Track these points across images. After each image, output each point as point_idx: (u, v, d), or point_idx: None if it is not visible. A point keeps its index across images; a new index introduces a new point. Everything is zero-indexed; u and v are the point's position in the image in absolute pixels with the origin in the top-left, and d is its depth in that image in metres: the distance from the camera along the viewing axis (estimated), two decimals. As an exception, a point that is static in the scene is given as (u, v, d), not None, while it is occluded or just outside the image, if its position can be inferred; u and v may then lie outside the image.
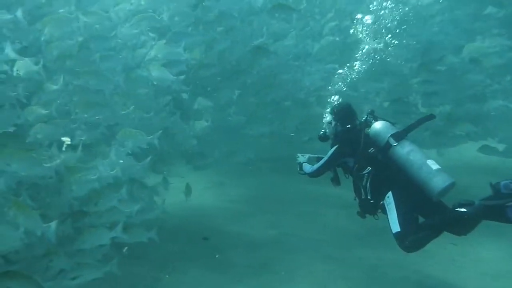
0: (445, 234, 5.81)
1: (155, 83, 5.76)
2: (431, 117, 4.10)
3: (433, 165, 3.62)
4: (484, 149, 8.04)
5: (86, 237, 4.36)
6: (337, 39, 8.31)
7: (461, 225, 3.49)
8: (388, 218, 3.75)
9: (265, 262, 5.62)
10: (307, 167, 4.46)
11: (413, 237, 3.56)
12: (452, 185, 3.56)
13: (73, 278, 4.16)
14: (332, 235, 6.52)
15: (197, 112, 6.81)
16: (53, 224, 3.85)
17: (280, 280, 5.20)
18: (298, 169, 4.60)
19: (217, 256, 5.51)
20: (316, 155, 4.57)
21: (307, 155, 4.63)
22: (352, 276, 5.27)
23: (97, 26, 5.80)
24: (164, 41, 6.00)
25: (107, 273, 4.49)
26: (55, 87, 5.02)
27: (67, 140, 4.86)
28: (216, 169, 8.50)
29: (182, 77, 5.98)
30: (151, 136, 5.19)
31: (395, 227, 3.64)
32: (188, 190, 7.09)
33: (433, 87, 7.85)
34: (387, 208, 3.78)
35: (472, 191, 4.46)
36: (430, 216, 3.66)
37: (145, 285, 5.06)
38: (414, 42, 8.45)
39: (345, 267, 5.51)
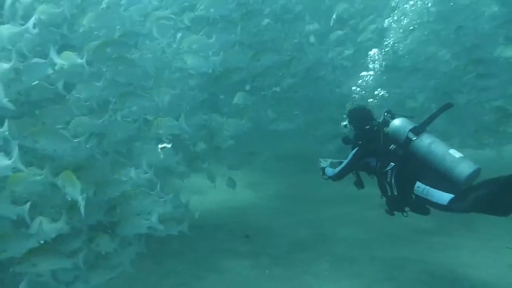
0: (496, 236, 5.54)
1: (192, 72, 5.72)
2: (448, 105, 3.95)
3: (456, 153, 3.56)
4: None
5: (126, 223, 4.36)
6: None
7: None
8: (431, 202, 3.54)
9: (307, 261, 5.48)
10: (330, 171, 4.45)
11: (472, 197, 3.26)
12: (477, 172, 3.45)
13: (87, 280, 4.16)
14: (375, 235, 6.26)
15: (237, 107, 6.68)
16: (85, 195, 3.93)
17: (324, 280, 5.04)
18: (321, 174, 4.58)
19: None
20: (338, 160, 4.52)
21: (329, 160, 4.60)
22: (398, 277, 5.03)
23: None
24: (200, 34, 5.99)
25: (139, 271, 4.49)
26: (98, 84, 5.04)
27: (166, 145, 4.86)
28: (251, 167, 8.38)
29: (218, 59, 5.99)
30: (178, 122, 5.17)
31: (445, 198, 3.42)
32: (231, 183, 7.08)
33: (484, 82, 7.37)
34: (423, 195, 3.59)
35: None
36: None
37: (185, 282, 4.99)
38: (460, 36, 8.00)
39: (390, 267, 5.27)
